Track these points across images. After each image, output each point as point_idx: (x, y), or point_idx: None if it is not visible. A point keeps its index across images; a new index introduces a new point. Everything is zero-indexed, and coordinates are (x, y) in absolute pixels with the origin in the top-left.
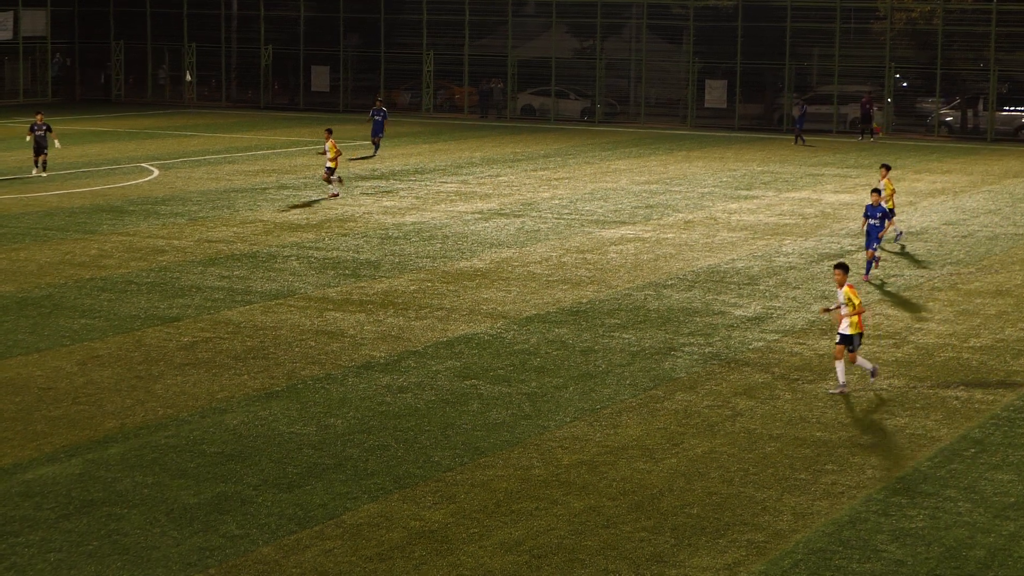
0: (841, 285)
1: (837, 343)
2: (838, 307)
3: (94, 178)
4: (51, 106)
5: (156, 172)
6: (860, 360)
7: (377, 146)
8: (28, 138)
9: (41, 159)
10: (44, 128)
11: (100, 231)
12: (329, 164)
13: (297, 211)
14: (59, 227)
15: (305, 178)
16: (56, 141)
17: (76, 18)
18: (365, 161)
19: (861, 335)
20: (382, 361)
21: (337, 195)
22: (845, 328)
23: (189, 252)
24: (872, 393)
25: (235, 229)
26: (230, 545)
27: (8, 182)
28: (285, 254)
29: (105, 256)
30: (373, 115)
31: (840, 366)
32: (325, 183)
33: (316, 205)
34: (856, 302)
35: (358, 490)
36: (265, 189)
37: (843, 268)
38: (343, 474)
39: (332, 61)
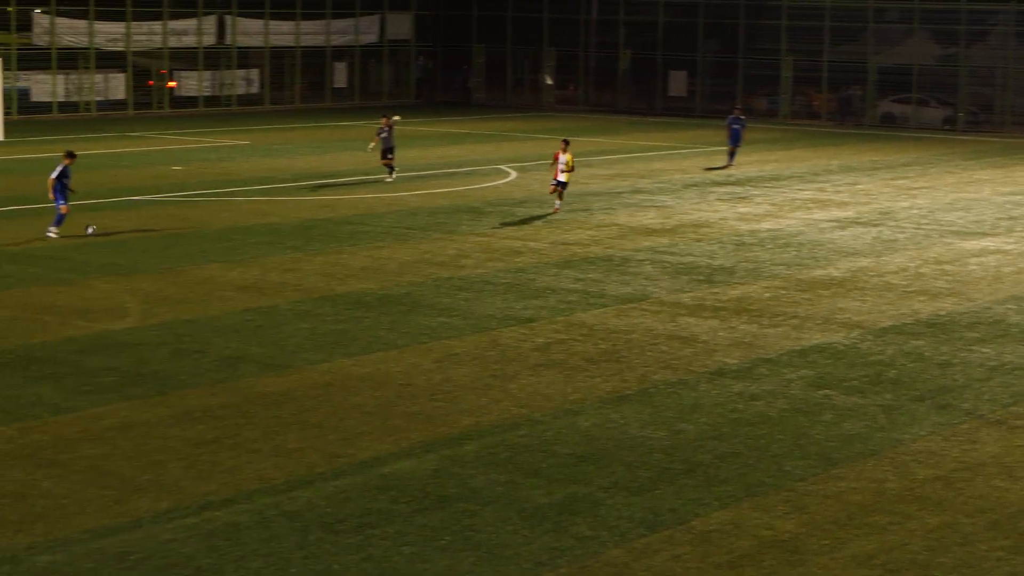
0: None
1: None
2: None
3: (454, 179)
4: (412, 107)
5: (513, 174)
6: None
7: (732, 155)
8: (372, 144)
9: (387, 162)
10: (388, 129)
11: (459, 231)
12: (563, 177)
13: (652, 215)
14: (419, 227)
15: (660, 183)
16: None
17: (440, 22)
18: (721, 169)
19: None
20: (735, 368)
21: (558, 211)
22: None
23: (544, 254)
24: None
25: (590, 232)
26: (580, 546)
27: (372, 183)
28: (639, 258)
29: (463, 256)
30: (731, 123)
31: None
32: (555, 196)
33: (670, 210)
34: None
35: (708, 496)
36: (620, 193)
37: None
38: (693, 480)
39: (689, 66)
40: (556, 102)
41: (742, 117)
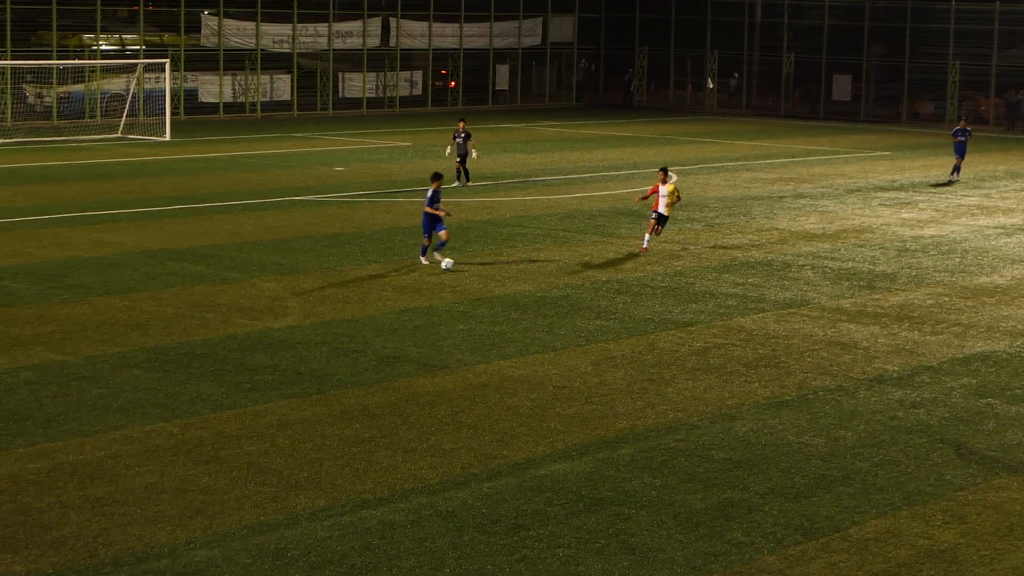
0: None
1: None
2: None
3: (614, 182)
4: (574, 110)
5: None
6: None
7: (958, 168)
8: (448, 149)
9: (461, 167)
10: (464, 136)
11: (618, 234)
12: (664, 210)
13: (813, 220)
14: (578, 229)
15: (823, 187)
16: (473, 151)
17: (602, 24)
18: (948, 185)
19: None
20: (895, 375)
21: (646, 250)
22: None
23: (704, 258)
24: None
25: (750, 236)
26: (735, 551)
27: (531, 184)
28: (800, 263)
29: (621, 259)
30: (956, 135)
31: None
32: (654, 234)
33: (832, 215)
34: None
35: (866, 504)
36: (782, 197)
37: None
38: (851, 487)
39: (854, 70)
40: (718, 106)
41: (968, 129)
